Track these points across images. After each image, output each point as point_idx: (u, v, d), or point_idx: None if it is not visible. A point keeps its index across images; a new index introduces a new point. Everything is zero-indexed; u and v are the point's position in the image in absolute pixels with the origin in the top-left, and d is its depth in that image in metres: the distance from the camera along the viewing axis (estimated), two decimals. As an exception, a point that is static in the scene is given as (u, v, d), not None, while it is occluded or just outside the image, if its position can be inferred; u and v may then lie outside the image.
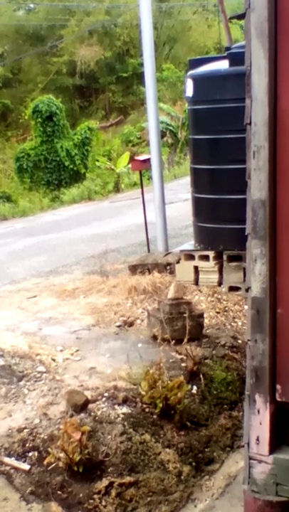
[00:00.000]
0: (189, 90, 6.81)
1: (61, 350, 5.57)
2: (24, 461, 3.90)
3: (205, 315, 5.86)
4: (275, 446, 2.93)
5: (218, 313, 6.27)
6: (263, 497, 2.92)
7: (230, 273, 6.67)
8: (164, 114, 22.43)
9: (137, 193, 11.33)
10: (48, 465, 3.83)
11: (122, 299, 6.84)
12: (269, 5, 2.54)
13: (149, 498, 3.81)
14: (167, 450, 4.18)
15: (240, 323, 6.03)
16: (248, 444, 2.95)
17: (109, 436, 4.11)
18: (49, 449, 3.88)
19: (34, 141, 21.36)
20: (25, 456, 3.95)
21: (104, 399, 4.51)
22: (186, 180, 8.57)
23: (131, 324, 6.16)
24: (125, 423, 4.24)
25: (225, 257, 6.70)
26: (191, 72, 6.92)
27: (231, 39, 8.95)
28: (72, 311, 6.72)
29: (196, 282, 6.94)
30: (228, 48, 7.07)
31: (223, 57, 6.65)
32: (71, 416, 4.20)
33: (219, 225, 6.75)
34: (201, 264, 6.91)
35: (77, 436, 3.79)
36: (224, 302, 6.52)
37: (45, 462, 3.84)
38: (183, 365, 5.01)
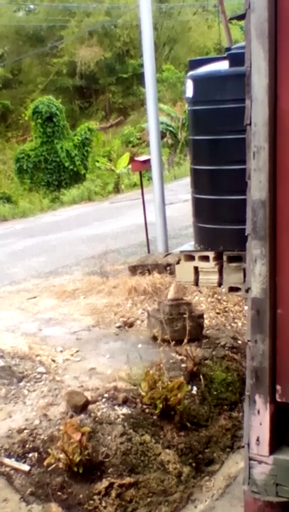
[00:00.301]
0: (189, 91, 6.81)
1: (61, 351, 5.57)
2: (24, 462, 3.90)
3: (205, 316, 5.86)
4: (275, 447, 2.93)
5: (218, 313, 6.27)
6: (263, 498, 2.93)
7: (231, 274, 6.68)
8: (164, 114, 22.42)
9: (137, 193, 11.34)
10: (48, 466, 3.83)
11: (122, 299, 6.83)
12: (269, 5, 2.54)
13: (149, 499, 3.81)
14: (167, 451, 4.18)
15: (240, 324, 6.03)
16: (248, 444, 2.96)
17: (109, 437, 4.11)
18: (49, 450, 3.88)
19: (34, 142, 21.37)
20: (25, 457, 3.94)
21: (104, 400, 4.50)
22: (186, 181, 8.58)
23: (131, 325, 6.16)
24: (125, 424, 4.23)
25: (225, 258, 6.71)
26: (191, 72, 6.92)
27: (231, 40, 8.94)
28: (72, 312, 6.72)
29: (196, 283, 6.94)
30: (228, 49, 7.07)
31: (223, 58, 6.66)
32: (71, 417, 4.19)
33: (219, 226, 6.75)
34: (201, 265, 6.91)
35: (77, 437, 3.79)
36: (224, 303, 6.52)
37: (45, 463, 3.84)
38: (183, 365, 5.01)
